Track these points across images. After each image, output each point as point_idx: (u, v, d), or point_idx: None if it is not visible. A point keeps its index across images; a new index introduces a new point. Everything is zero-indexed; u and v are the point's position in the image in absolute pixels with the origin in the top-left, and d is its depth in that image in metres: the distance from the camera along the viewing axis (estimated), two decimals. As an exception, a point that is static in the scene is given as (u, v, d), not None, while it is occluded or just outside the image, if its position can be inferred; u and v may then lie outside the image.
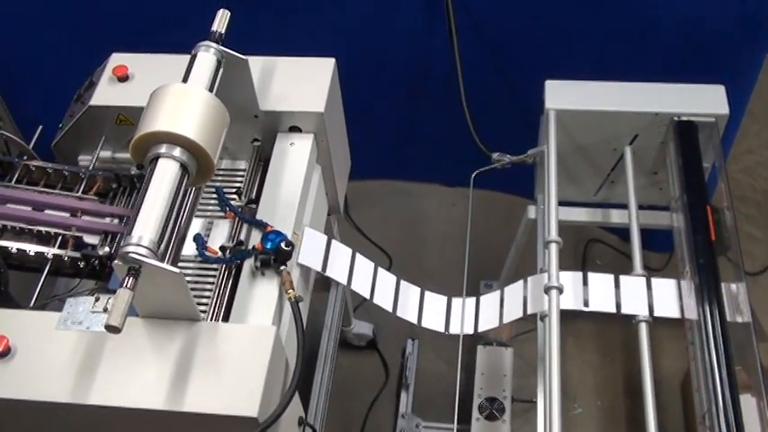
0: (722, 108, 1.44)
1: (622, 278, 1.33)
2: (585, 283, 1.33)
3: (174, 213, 0.97)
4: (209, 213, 1.24)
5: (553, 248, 1.32)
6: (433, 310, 1.39)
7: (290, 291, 1.10)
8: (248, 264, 1.14)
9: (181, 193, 0.98)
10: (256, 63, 1.26)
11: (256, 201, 1.24)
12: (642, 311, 1.29)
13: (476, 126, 1.70)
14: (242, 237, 1.18)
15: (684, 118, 1.44)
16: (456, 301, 1.41)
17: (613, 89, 1.47)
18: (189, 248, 1.16)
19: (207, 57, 1.12)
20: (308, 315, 1.23)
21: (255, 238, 1.16)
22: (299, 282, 1.17)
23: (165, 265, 0.92)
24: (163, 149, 0.98)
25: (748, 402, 1.14)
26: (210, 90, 1.09)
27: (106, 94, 1.31)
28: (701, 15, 1.64)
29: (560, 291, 1.27)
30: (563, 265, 1.30)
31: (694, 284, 1.26)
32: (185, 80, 1.10)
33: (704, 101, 1.44)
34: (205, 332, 1.01)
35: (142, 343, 1.01)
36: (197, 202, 1.17)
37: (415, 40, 1.86)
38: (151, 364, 0.99)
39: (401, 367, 1.99)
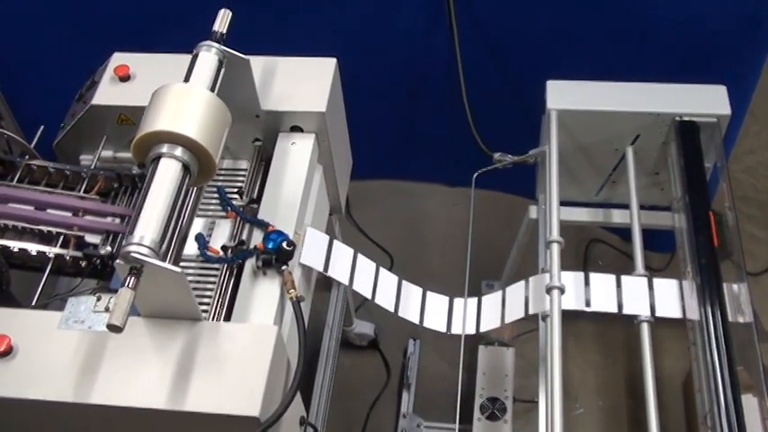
0: (724, 108, 1.44)
1: (624, 278, 1.33)
2: (587, 283, 1.33)
3: (176, 213, 0.97)
4: (210, 213, 1.24)
5: (555, 248, 1.32)
6: (434, 311, 1.39)
7: (292, 290, 1.10)
8: (250, 263, 1.14)
9: (182, 193, 0.98)
10: (258, 63, 1.26)
11: (258, 200, 1.24)
12: (644, 312, 1.29)
13: (477, 126, 1.70)
14: (243, 236, 1.19)
15: (686, 118, 1.43)
16: (458, 302, 1.40)
17: (615, 89, 1.47)
18: (190, 248, 1.16)
19: (208, 56, 1.12)
20: (309, 315, 1.23)
21: (257, 238, 1.16)
22: (300, 281, 1.17)
23: (166, 265, 0.92)
24: (164, 149, 0.98)
25: (750, 402, 1.14)
26: (212, 90, 1.09)
27: (108, 93, 1.31)
28: (701, 15, 1.64)
29: (562, 291, 1.27)
30: (564, 266, 1.30)
31: (696, 285, 1.26)
32: (187, 80, 1.10)
33: (706, 101, 1.44)
34: (207, 332, 1.01)
35: (144, 342, 1.01)
36: (198, 202, 1.17)
37: (416, 40, 1.86)
38: (153, 363, 0.99)
39: (402, 367, 1.99)
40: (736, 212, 1.33)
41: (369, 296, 1.31)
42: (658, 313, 1.29)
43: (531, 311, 1.33)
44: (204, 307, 1.11)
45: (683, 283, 1.31)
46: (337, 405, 1.73)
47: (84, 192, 1.25)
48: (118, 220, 1.21)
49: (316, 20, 1.79)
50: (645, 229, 1.42)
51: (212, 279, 1.15)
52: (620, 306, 1.31)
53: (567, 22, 1.74)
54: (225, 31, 1.15)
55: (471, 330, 1.37)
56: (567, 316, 1.25)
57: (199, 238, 1.17)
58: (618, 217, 1.61)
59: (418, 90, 2.01)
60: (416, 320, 1.37)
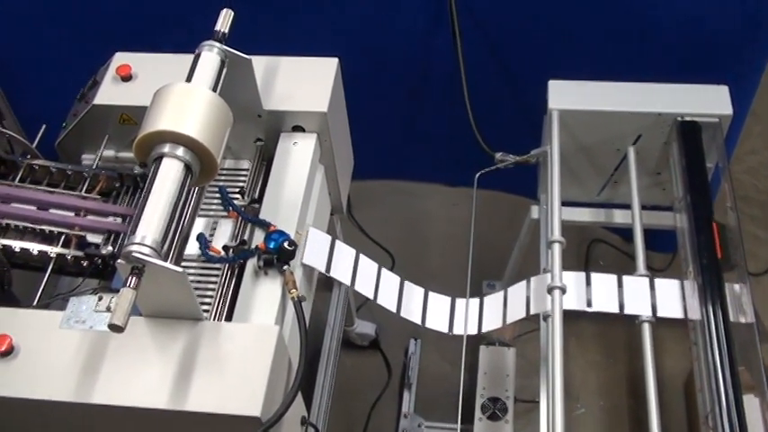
0: (726, 108, 1.44)
1: (625, 278, 1.33)
2: (588, 283, 1.33)
3: (178, 213, 0.97)
4: (212, 213, 1.24)
5: (556, 248, 1.32)
6: (436, 311, 1.39)
7: (293, 290, 1.10)
8: (251, 263, 1.14)
9: (184, 193, 0.98)
10: (260, 63, 1.26)
11: (259, 200, 1.24)
12: (645, 312, 1.29)
13: (478, 126, 1.70)
14: (245, 236, 1.18)
15: (688, 118, 1.43)
16: (459, 302, 1.40)
17: (617, 89, 1.47)
18: (192, 248, 1.16)
19: (210, 56, 1.12)
20: (310, 314, 1.23)
21: (258, 238, 1.16)
22: (301, 281, 1.17)
23: (168, 265, 0.92)
24: (166, 149, 0.98)
25: (751, 402, 1.14)
26: (214, 90, 1.10)
27: (110, 93, 1.31)
28: (701, 15, 1.64)
29: (563, 291, 1.27)
30: (566, 266, 1.30)
31: (697, 285, 1.26)
32: (189, 80, 1.10)
33: (708, 101, 1.44)
34: (208, 331, 1.01)
35: (145, 342, 1.01)
36: (200, 202, 1.17)
37: (416, 40, 1.86)
38: (154, 363, 0.99)
39: (404, 367, 1.99)
40: (737, 213, 1.33)
41: (371, 297, 1.31)
42: (660, 313, 1.29)
43: (532, 311, 1.33)
44: (205, 307, 1.11)
45: (685, 283, 1.31)
46: (338, 405, 1.73)
47: (86, 191, 1.25)
48: (119, 220, 1.21)
49: (316, 20, 1.79)
50: (646, 229, 1.42)
51: (214, 279, 1.15)
52: (621, 306, 1.31)
53: (567, 22, 1.74)
54: (227, 31, 1.15)
55: (473, 331, 1.37)
56: (569, 316, 1.25)
57: (200, 237, 1.17)
58: (619, 217, 1.61)
59: (419, 90, 2.01)
60: (419, 321, 1.37)
